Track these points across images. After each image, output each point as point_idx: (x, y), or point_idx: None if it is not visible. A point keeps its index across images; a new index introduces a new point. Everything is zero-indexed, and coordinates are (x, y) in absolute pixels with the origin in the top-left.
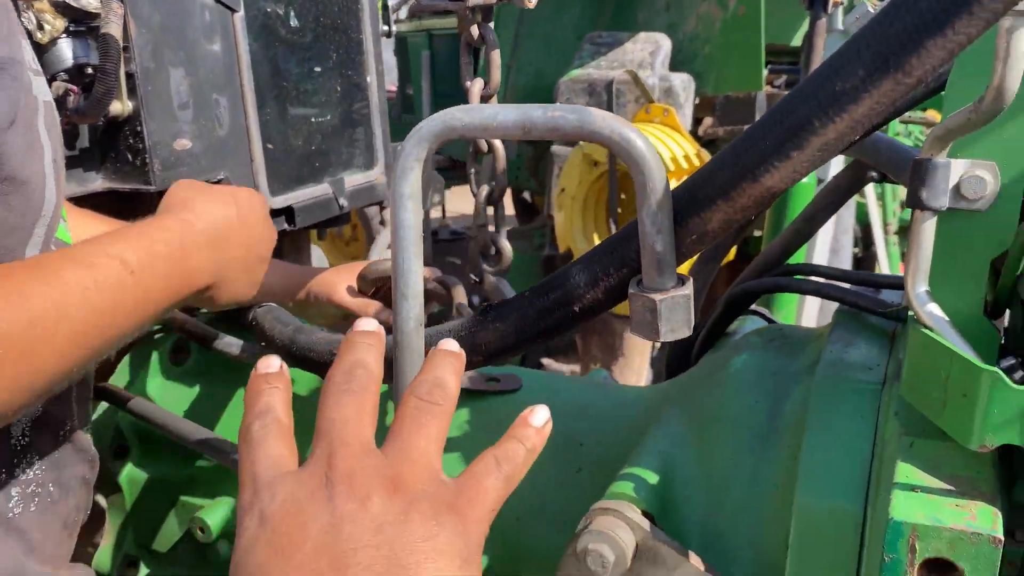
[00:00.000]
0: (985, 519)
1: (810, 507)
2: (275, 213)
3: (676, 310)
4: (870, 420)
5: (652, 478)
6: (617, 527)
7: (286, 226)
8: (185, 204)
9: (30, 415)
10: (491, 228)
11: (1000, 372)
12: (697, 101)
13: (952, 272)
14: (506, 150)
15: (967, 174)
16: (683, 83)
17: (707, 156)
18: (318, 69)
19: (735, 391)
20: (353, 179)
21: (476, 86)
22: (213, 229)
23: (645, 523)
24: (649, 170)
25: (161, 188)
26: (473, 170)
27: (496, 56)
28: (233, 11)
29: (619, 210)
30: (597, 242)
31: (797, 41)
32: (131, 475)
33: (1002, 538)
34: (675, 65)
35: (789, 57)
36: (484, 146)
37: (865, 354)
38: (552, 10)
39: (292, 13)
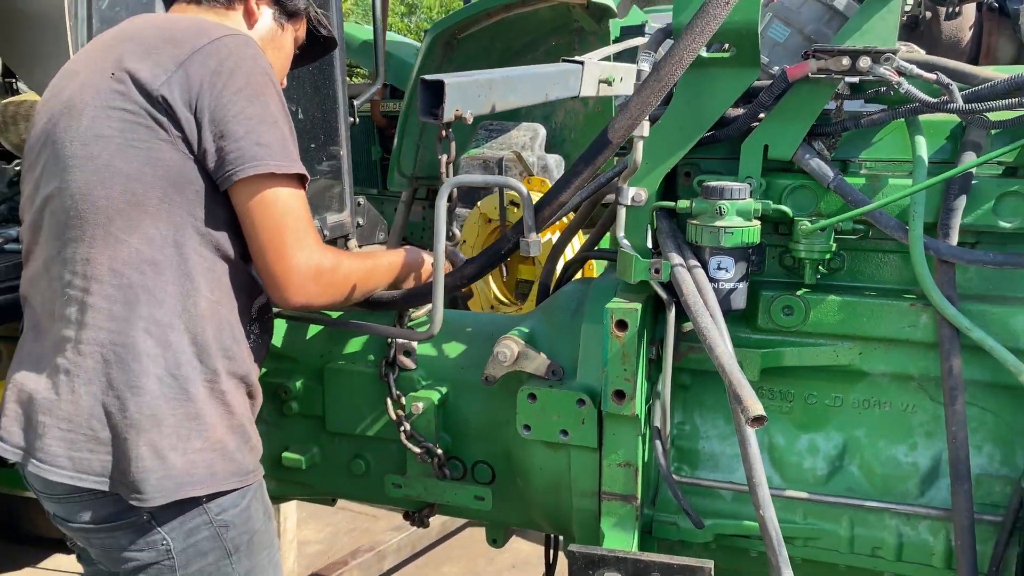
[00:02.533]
0: (633, 305)
1: (588, 330)
2: None
3: (535, 245)
4: (612, 292)
5: (525, 330)
6: (510, 342)
7: None
8: (407, 251)
9: (260, 302)
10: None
11: (637, 256)
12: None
13: (633, 229)
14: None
15: (636, 193)
16: (556, 161)
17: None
18: (313, 145)
19: (564, 295)
20: (332, 218)
21: (444, 157)
22: (417, 260)
23: (521, 342)
24: (524, 196)
25: None
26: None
27: (453, 145)
28: None
29: None
30: (492, 282)
31: None
32: None
33: (638, 309)
34: (549, 147)
35: None
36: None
37: (614, 278)
38: None
39: (299, 110)
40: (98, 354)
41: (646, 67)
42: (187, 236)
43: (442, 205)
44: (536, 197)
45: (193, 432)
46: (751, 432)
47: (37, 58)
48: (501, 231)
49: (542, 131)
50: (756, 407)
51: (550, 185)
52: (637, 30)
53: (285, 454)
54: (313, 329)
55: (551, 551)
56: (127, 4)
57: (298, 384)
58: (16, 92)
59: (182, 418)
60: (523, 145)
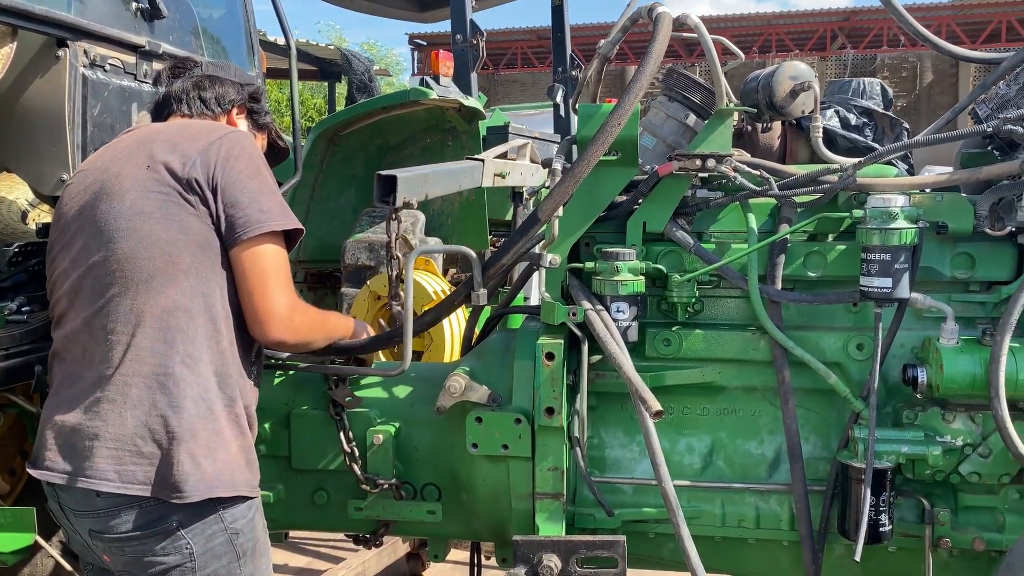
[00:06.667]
0: (558, 341)
1: (520, 365)
2: None
3: (483, 296)
4: (536, 334)
5: (466, 369)
6: (459, 378)
7: None
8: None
9: (257, 346)
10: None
11: (559, 303)
12: (445, 256)
13: (552, 285)
14: None
15: (552, 259)
16: (436, 243)
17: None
18: None
19: (493, 342)
20: None
21: (394, 234)
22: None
23: (467, 377)
24: (473, 259)
25: None
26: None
27: (399, 225)
28: None
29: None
30: (382, 355)
31: (508, 216)
32: None
33: (561, 343)
34: (429, 231)
35: (503, 227)
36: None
37: (537, 324)
38: (335, 191)
39: None
40: (142, 384)
41: (558, 166)
42: (212, 288)
43: (410, 268)
44: (421, 275)
45: (219, 446)
46: (652, 424)
47: (34, 154)
48: (389, 304)
49: (422, 217)
50: (655, 405)
51: (433, 264)
52: (501, 130)
53: None
54: (278, 379)
55: (475, 556)
56: (112, 111)
57: (266, 428)
58: None
59: (210, 433)
60: (405, 229)
